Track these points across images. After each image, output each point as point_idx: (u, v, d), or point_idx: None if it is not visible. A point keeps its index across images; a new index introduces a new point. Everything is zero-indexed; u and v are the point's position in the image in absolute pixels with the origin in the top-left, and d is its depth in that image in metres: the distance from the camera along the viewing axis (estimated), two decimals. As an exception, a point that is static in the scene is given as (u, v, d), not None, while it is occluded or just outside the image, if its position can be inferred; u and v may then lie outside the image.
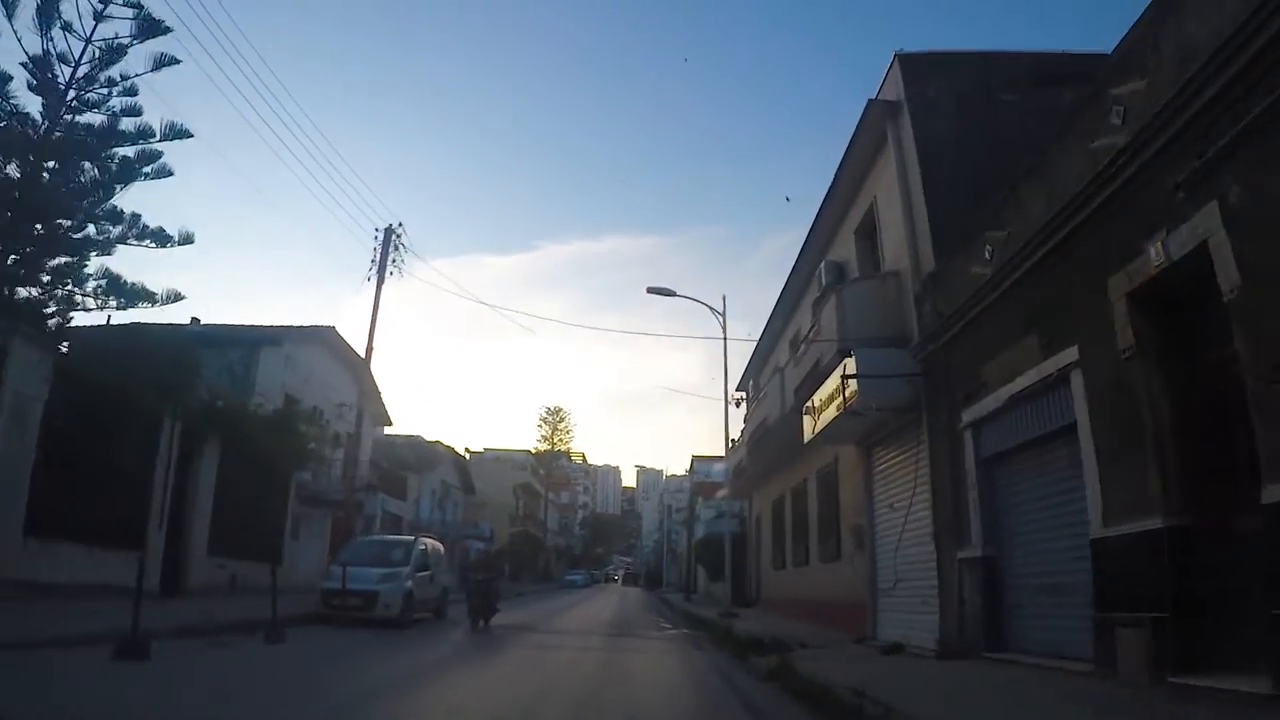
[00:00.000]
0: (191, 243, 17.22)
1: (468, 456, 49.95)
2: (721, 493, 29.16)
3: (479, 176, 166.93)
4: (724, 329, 21.10)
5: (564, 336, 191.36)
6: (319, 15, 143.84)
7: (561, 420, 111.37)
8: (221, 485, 16.94)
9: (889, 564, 12.31)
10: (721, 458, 64.82)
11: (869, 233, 13.96)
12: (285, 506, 20.27)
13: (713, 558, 32.53)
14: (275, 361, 24.65)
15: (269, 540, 19.35)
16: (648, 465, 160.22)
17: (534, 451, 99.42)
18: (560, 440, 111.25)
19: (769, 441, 18.48)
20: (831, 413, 12.12)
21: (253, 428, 17.86)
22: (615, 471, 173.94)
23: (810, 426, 13.68)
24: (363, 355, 21.52)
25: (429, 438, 45.15)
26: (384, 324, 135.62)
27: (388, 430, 43.59)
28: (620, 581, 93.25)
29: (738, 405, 27.79)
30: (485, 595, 14.62)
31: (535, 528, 57.89)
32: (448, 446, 44.85)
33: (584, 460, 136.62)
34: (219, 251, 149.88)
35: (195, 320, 26.58)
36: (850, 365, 11.19)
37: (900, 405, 10.84)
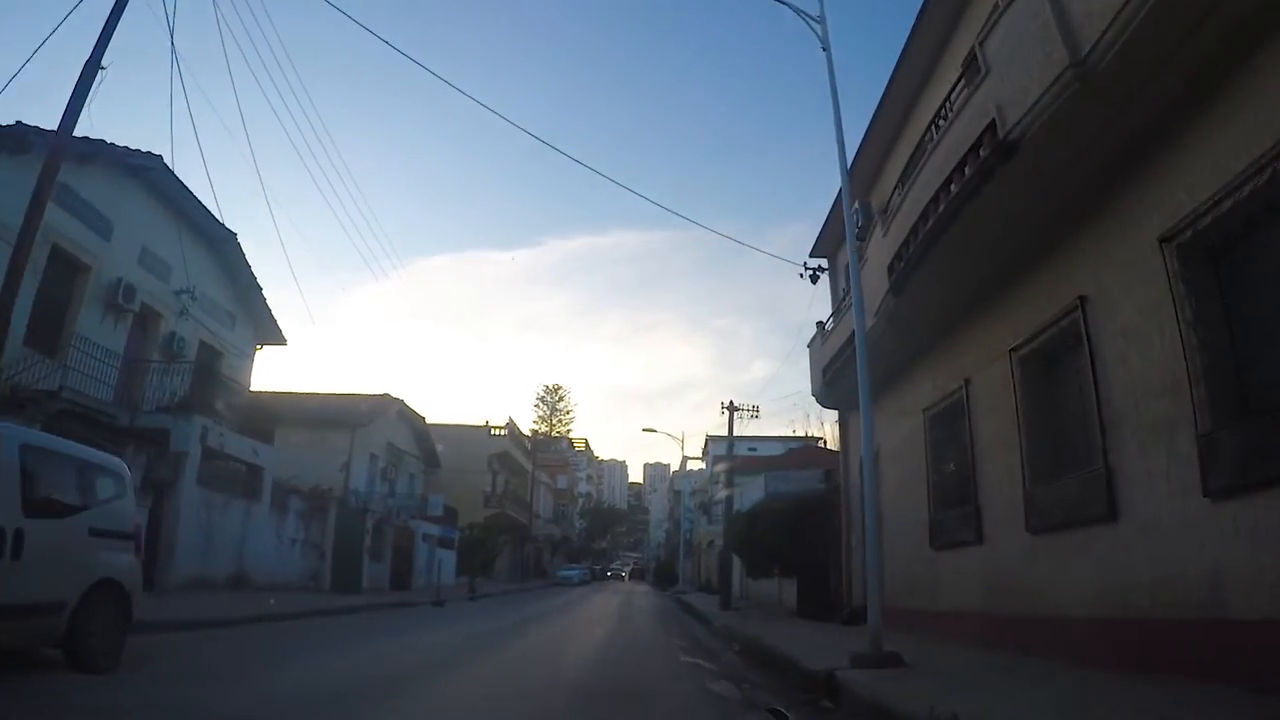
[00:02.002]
0: None
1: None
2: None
3: (483, 171, 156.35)
4: (824, 43, 9.82)
5: (567, 330, 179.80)
6: (319, 10, 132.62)
7: (561, 400, 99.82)
8: None
9: None
10: (741, 438, 53.07)
11: None
12: None
13: (761, 541, 21.21)
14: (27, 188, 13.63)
15: None
16: (673, 433, 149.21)
17: (533, 432, 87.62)
18: (560, 423, 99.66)
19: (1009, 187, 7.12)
20: None
21: None
22: (622, 466, 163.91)
23: None
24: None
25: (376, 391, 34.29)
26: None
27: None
28: (627, 578, 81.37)
29: (813, 277, 16.54)
30: None
31: (520, 511, 46.70)
32: (395, 399, 33.76)
33: (587, 447, 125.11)
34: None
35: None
36: None
37: None
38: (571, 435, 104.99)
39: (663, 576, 58.85)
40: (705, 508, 54.59)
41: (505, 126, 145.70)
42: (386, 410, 32.94)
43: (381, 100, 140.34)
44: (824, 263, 16.76)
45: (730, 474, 21.20)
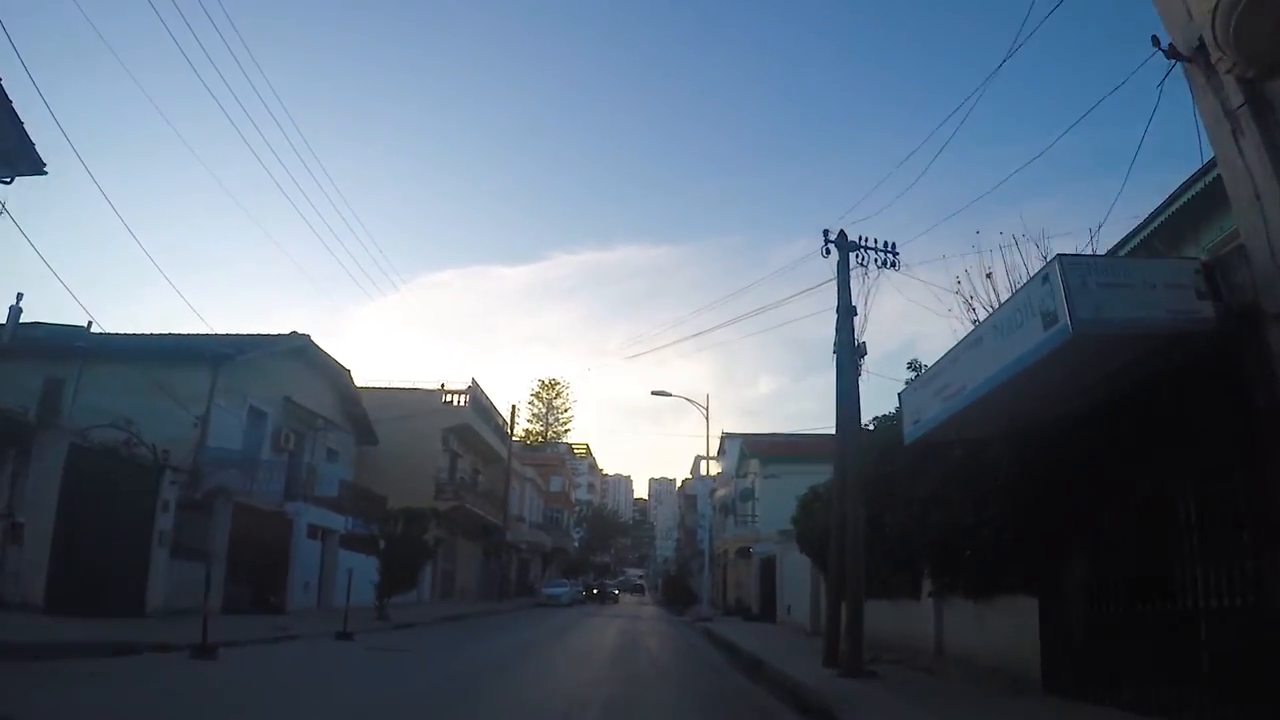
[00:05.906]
0: None
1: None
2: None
3: (488, 185, 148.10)
4: None
5: (571, 345, 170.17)
6: (313, 21, 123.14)
7: (558, 396, 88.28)
8: None
9: None
10: (758, 436, 41.53)
11: None
12: None
13: (914, 519, 10.37)
14: None
15: None
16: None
17: (526, 433, 76.17)
18: (557, 422, 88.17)
19: None
20: None
21: None
22: (626, 480, 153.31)
23: None
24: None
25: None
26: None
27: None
28: (618, 597, 65.69)
29: None
30: None
31: (490, 510, 35.90)
32: (299, 335, 23.22)
33: (589, 453, 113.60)
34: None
35: None
36: None
37: None
38: (571, 439, 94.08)
39: (675, 594, 47.29)
40: (728, 507, 43.62)
41: (509, 137, 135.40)
42: (276, 348, 22.38)
43: (382, 110, 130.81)
44: None
45: (850, 341, 9.64)
